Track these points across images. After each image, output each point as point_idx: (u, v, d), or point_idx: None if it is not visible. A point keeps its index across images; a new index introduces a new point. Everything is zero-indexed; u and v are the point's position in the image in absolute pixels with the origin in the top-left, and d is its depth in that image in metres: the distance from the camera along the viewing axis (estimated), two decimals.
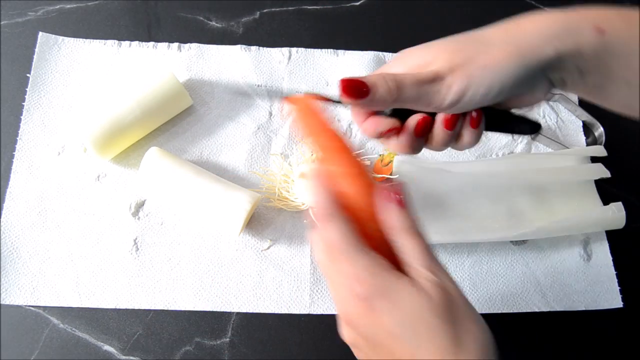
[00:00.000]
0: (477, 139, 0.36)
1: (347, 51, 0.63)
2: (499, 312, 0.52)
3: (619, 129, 0.61)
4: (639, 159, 0.60)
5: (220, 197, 0.50)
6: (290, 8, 0.66)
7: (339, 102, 0.37)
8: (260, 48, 0.62)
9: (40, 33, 0.60)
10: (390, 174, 0.54)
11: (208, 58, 0.61)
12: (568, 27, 0.31)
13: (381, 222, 0.31)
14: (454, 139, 0.35)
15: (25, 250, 0.51)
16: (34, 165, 0.55)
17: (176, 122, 0.58)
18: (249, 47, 0.62)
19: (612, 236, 0.56)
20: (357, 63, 0.62)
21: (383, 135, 0.35)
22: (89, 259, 0.51)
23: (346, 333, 0.30)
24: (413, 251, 0.29)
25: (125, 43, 0.61)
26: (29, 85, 0.58)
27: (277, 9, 0.65)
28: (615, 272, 0.54)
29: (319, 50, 0.63)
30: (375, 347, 0.28)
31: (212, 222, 0.53)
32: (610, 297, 0.53)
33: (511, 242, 0.55)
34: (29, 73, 0.58)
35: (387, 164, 0.55)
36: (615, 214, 0.52)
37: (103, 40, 0.61)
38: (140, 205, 0.54)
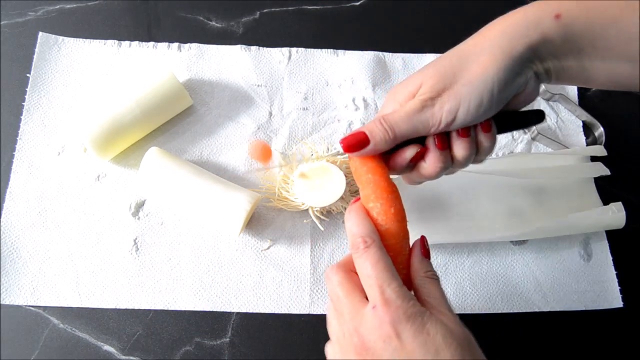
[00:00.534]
0: (493, 143, 0.38)
1: (347, 51, 0.63)
2: (499, 312, 0.52)
3: (619, 129, 0.61)
4: (639, 159, 0.60)
5: (220, 197, 0.50)
6: (290, 8, 0.66)
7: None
8: (260, 48, 0.62)
9: (40, 33, 0.60)
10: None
11: (208, 58, 0.61)
12: (530, 21, 0.33)
13: (412, 267, 0.35)
14: (474, 148, 0.38)
15: (25, 250, 0.51)
16: (34, 165, 0.55)
17: (176, 122, 0.58)
18: (249, 47, 0.62)
19: (612, 236, 0.56)
20: (357, 63, 0.62)
21: (413, 161, 0.37)
22: (89, 259, 0.51)
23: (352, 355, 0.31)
24: (439, 297, 0.32)
25: (125, 43, 0.61)
26: (29, 85, 0.58)
27: (277, 9, 0.65)
28: (615, 272, 0.54)
29: (319, 50, 0.63)
30: None
31: (212, 222, 0.53)
32: (610, 297, 0.53)
33: (511, 242, 0.55)
34: (29, 73, 0.58)
35: None
36: (615, 214, 0.52)
37: (103, 40, 0.61)
38: (140, 205, 0.54)
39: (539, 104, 0.62)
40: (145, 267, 0.51)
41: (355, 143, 0.35)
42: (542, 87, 0.58)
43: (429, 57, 0.63)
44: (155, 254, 0.52)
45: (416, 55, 0.64)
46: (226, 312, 0.50)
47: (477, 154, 0.39)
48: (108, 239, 0.52)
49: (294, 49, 0.62)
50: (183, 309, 0.50)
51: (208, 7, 0.64)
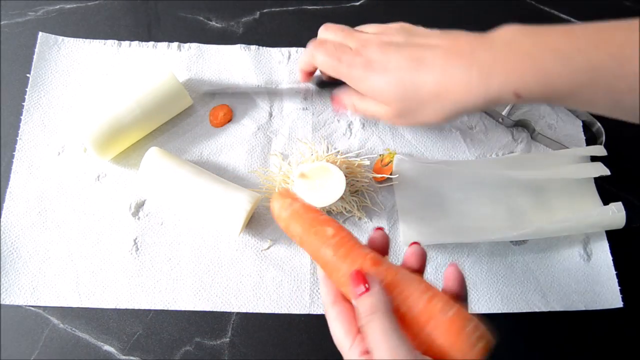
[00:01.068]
0: None
1: None
2: (499, 312, 0.52)
3: (619, 129, 0.60)
4: (638, 159, 0.60)
5: (220, 197, 0.50)
6: (290, 8, 0.66)
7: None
8: (260, 48, 0.62)
9: (40, 33, 0.60)
10: (390, 174, 0.54)
11: (208, 58, 0.61)
12: (491, 99, 0.37)
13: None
14: None
15: (25, 250, 0.51)
16: (34, 165, 0.55)
17: (176, 122, 0.58)
18: (249, 47, 0.62)
19: (612, 236, 0.56)
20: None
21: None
22: (89, 259, 0.51)
23: None
24: (377, 340, 0.30)
25: (125, 43, 0.61)
26: (29, 85, 0.58)
27: (277, 9, 0.65)
28: (615, 272, 0.54)
29: None
30: None
31: (212, 222, 0.53)
32: (610, 297, 0.53)
33: (511, 242, 0.55)
34: (29, 73, 0.58)
35: (387, 164, 0.55)
36: (615, 214, 0.52)
37: (103, 40, 0.61)
38: (140, 205, 0.54)
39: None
40: (145, 267, 0.51)
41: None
42: None
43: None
44: (155, 254, 0.52)
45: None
46: (226, 312, 0.50)
47: None
48: (108, 239, 0.52)
49: (293, 49, 0.62)
50: (183, 309, 0.50)
51: (208, 7, 0.64)
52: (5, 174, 0.54)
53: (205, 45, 0.62)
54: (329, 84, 0.56)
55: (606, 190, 0.57)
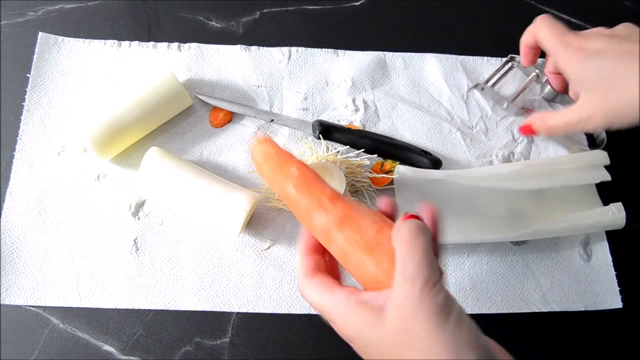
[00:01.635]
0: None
1: (347, 51, 0.63)
2: (499, 312, 0.52)
3: (619, 129, 0.60)
4: (639, 159, 0.60)
5: (220, 197, 0.50)
6: (290, 8, 0.66)
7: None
8: (260, 48, 0.62)
9: (40, 33, 0.60)
10: (391, 181, 0.54)
11: (208, 58, 0.61)
12: None
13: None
14: None
15: (25, 250, 0.51)
16: (34, 165, 0.55)
17: (176, 122, 0.58)
18: (249, 47, 0.62)
19: (612, 236, 0.56)
20: (357, 63, 0.62)
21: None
22: (89, 259, 0.51)
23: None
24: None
25: (125, 43, 0.61)
26: (29, 85, 0.58)
27: (277, 9, 0.65)
28: (615, 272, 0.54)
29: (319, 50, 0.63)
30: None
31: (212, 222, 0.53)
32: (610, 297, 0.53)
33: (511, 242, 0.55)
34: (29, 73, 0.58)
35: (388, 172, 0.54)
36: (615, 214, 0.52)
37: (103, 40, 0.61)
38: (140, 205, 0.54)
39: (541, 104, 0.62)
40: (145, 267, 0.51)
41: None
42: (547, 88, 0.58)
43: (429, 57, 0.63)
44: (155, 254, 0.52)
45: (417, 54, 0.64)
46: (226, 312, 0.50)
47: None
48: (108, 239, 0.52)
49: (294, 49, 0.62)
50: (183, 309, 0.50)
51: (208, 7, 0.64)
52: (5, 174, 0.54)
53: (205, 45, 0.62)
54: (330, 132, 0.56)
55: (606, 191, 0.57)
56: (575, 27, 0.66)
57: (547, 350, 0.51)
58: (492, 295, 0.53)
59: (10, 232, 0.52)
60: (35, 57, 0.59)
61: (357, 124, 0.59)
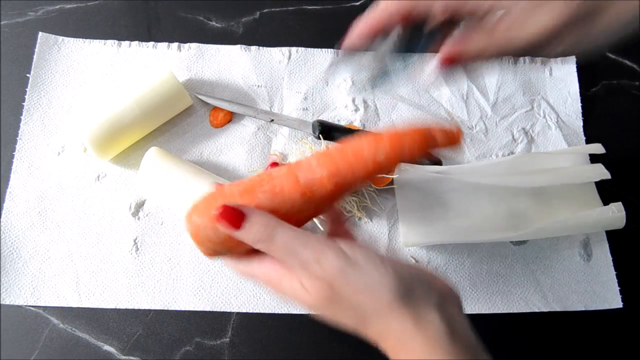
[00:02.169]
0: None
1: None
2: (499, 312, 0.52)
3: (619, 128, 0.61)
4: (639, 159, 0.60)
5: None
6: (290, 8, 0.66)
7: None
8: (260, 48, 0.62)
9: (40, 33, 0.60)
10: (391, 180, 0.54)
11: (208, 58, 0.61)
12: None
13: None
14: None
15: (25, 250, 0.51)
16: (34, 165, 0.55)
17: (176, 122, 0.58)
18: (249, 47, 0.62)
19: (612, 236, 0.56)
20: (357, 63, 0.62)
21: None
22: (89, 259, 0.51)
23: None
24: None
25: (125, 43, 0.61)
26: (29, 85, 0.58)
27: (277, 9, 0.65)
28: (615, 272, 0.54)
29: (319, 50, 0.63)
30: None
31: None
32: (610, 297, 0.53)
33: (511, 242, 0.55)
34: (29, 73, 0.58)
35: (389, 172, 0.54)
36: (615, 214, 0.52)
37: (103, 40, 0.61)
38: (140, 205, 0.54)
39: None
40: (145, 267, 0.51)
41: None
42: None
43: (429, 57, 0.63)
44: (155, 254, 0.52)
45: (417, 54, 0.63)
46: (226, 312, 0.50)
47: None
48: (108, 239, 0.52)
49: (294, 49, 0.62)
50: (183, 309, 0.50)
51: (208, 7, 0.64)
52: (5, 174, 0.54)
53: (205, 45, 0.62)
54: (330, 132, 0.55)
55: (606, 191, 0.57)
56: None
57: (547, 350, 0.51)
58: (492, 295, 0.53)
59: (10, 232, 0.52)
60: (35, 57, 0.59)
61: (357, 124, 0.59)
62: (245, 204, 0.32)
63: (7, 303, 0.49)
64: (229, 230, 0.31)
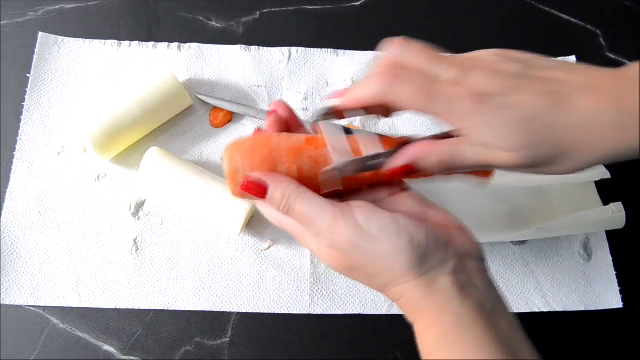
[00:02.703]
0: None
1: (347, 51, 0.63)
2: None
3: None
4: (639, 158, 0.60)
5: (220, 197, 0.50)
6: (290, 8, 0.66)
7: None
8: (260, 48, 0.62)
9: (40, 33, 0.60)
10: None
11: (208, 58, 0.61)
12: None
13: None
14: None
15: (25, 250, 0.51)
16: (34, 165, 0.55)
17: (176, 122, 0.58)
18: (249, 47, 0.62)
19: (612, 236, 0.56)
20: (357, 63, 0.62)
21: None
22: (89, 259, 0.51)
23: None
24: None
25: (125, 43, 0.61)
26: (29, 85, 0.58)
27: (277, 9, 0.65)
28: (615, 272, 0.54)
29: (319, 50, 0.63)
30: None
31: (212, 222, 0.53)
32: (610, 297, 0.53)
33: (511, 242, 0.55)
34: (29, 73, 0.58)
35: None
36: (615, 214, 0.52)
37: (103, 40, 0.61)
38: (140, 205, 0.54)
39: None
40: (145, 267, 0.51)
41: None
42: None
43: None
44: (155, 254, 0.52)
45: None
46: (226, 312, 0.50)
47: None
48: (108, 239, 0.52)
49: (293, 49, 0.62)
50: (183, 309, 0.50)
51: (208, 7, 0.64)
52: (5, 174, 0.54)
53: (205, 45, 0.62)
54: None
55: (606, 191, 0.57)
56: (575, 27, 0.66)
57: (547, 350, 0.51)
58: None
59: (10, 232, 0.52)
60: (35, 57, 0.59)
61: (357, 124, 0.59)
62: (287, 164, 0.32)
63: (7, 303, 0.49)
64: (254, 200, 0.32)
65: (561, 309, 0.52)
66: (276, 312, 0.51)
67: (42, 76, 0.58)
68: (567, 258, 0.55)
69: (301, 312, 0.51)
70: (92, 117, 0.52)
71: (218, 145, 0.57)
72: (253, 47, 0.62)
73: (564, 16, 0.67)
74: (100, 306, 0.50)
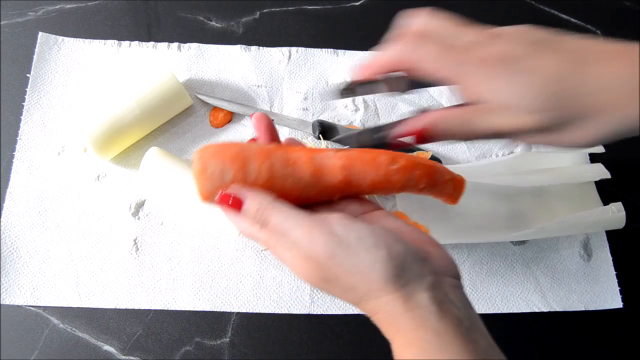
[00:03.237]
0: None
1: (347, 51, 0.63)
2: (499, 312, 0.52)
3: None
4: (638, 159, 0.60)
5: None
6: (290, 8, 0.66)
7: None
8: (260, 48, 0.62)
9: (40, 33, 0.60)
10: None
11: (208, 58, 0.61)
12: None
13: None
14: None
15: (25, 250, 0.51)
16: (34, 165, 0.55)
17: (176, 122, 0.58)
18: (249, 47, 0.62)
19: (612, 236, 0.56)
20: (357, 63, 0.62)
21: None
22: (89, 259, 0.51)
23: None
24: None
25: (125, 43, 0.61)
26: (29, 85, 0.58)
27: (277, 9, 0.65)
28: (615, 272, 0.54)
29: (319, 50, 0.63)
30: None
31: (212, 222, 0.53)
32: (610, 297, 0.53)
33: (511, 242, 0.55)
34: (29, 73, 0.58)
35: None
36: (615, 214, 0.52)
37: (103, 40, 0.61)
38: (140, 205, 0.54)
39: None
40: (145, 267, 0.51)
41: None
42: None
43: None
44: (155, 254, 0.52)
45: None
46: (226, 312, 0.50)
47: None
48: (108, 239, 0.52)
49: (294, 49, 0.62)
50: (183, 309, 0.50)
51: (208, 7, 0.64)
52: (5, 174, 0.54)
53: (205, 45, 0.62)
54: (330, 132, 0.54)
55: (606, 191, 0.57)
56: (575, 27, 0.66)
57: (548, 350, 0.51)
58: (492, 295, 0.53)
59: (10, 232, 0.52)
60: (35, 57, 0.59)
61: (357, 124, 0.59)
62: (257, 162, 0.32)
63: (7, 303, 0.49)
64: (230, 215, 0.31)
65: (561, 309, 0.52)
66: (276, 312, 0.51)
67: (42, 76, 0.58)
68: (567, 258, 0.55)
69: (301, 312, 0.51)
70: (92, 117, 0.52)
71: None
72: (253, 47, 0.62)
73: (564, 16, 0.67)
74: (100, 306, 0.50)
